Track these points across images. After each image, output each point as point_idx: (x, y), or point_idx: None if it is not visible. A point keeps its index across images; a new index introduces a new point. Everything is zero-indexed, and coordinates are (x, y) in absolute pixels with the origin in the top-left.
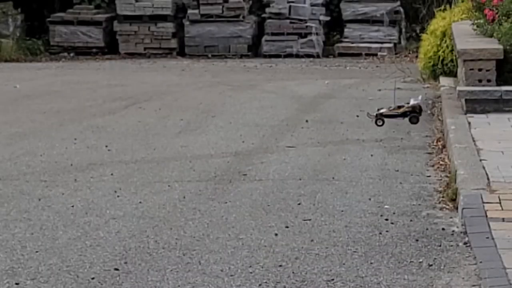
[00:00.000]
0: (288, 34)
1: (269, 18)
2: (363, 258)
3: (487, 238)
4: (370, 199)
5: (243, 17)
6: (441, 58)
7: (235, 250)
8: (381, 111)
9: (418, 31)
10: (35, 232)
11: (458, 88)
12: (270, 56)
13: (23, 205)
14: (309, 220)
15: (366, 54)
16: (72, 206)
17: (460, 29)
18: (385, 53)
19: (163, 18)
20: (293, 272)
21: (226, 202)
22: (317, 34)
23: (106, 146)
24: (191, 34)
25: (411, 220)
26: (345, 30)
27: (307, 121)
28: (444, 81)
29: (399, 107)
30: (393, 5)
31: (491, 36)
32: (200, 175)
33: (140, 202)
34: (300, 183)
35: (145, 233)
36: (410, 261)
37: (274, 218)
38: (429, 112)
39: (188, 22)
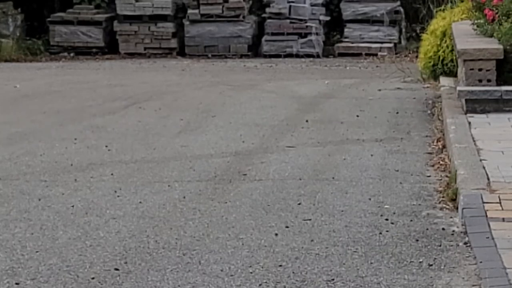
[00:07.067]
0: (288, 34)
1: (269, 18)
2: (363, 258)
3: (487, 238)
4: (370, 199)
5: (243, 17)
6: (441, 58)
7: (235, 250)
8: None
9: (418, 31)
10: (35, 232)
11: (458, 88)
12: (270, 56)
13: (23, 205)
14: (309, 220)
15: (366, 54)
16: (72, 206)
17: (460, 29)
18: (385, 53)
19: (163, 18)
20: (293, 272)
21: (226, 202)
22: (317, 34)
23: (106, 146)
24: (191, 34)
25: (411, 220)
26: (345, 30)
27: (307, 121)
28: (444, 81)
29: None
30: (393, 5)
31: (491, 36)
32: (200, 175)
33: (140, 202)
34: (300, 183)
35: (145, 233)
36: (410, 261)
37: (274, 218)
38: (429, 112)
39: (188, 22)
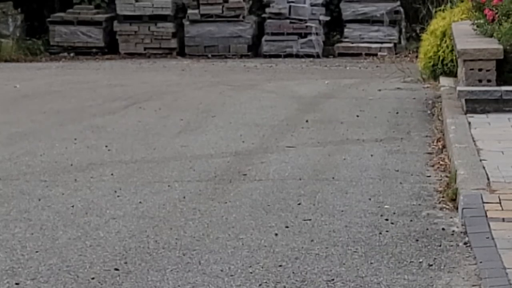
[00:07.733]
0: (288, 34)
1: (269, 18)
2: (363, 258)
3: (487, 238)
4: (370, 199)
5: (243, 17)
6: (441, 58)
7: (235, 250)
8: None
9: (418, 31)
10: (35, 232)
11: (458, 88)
12: (270, 56)
13: (23, 205)
14: (309, 220)
15: (366, 54)
16: (72, 206)
17: (460, 29)
18: (385, 53)
19: (163, 18)
20: (293, 272)
21: (226, 202)
22: (317, 34)
23: (106, 146)
24: (191, 34)
25: (411, 220)
26: (345, 30)
27: (307, 121)
28: (444, 81)
29: None
30: (393, 5)
31: (491, 36)
32: (200, 175)
33: (140, 202)
34: (300, 183)
35: (145, 233)
36: (410, 261)
37: (274, 218)
38: (429, 112)
39: (188, 22)
